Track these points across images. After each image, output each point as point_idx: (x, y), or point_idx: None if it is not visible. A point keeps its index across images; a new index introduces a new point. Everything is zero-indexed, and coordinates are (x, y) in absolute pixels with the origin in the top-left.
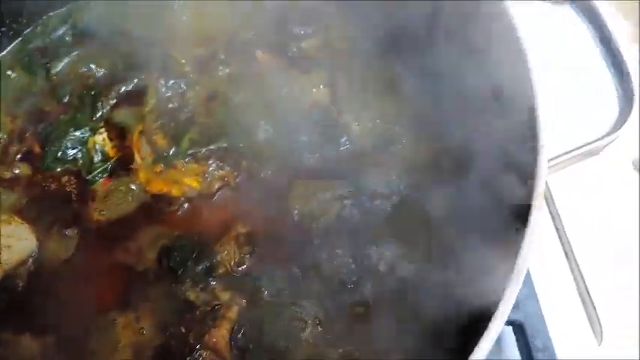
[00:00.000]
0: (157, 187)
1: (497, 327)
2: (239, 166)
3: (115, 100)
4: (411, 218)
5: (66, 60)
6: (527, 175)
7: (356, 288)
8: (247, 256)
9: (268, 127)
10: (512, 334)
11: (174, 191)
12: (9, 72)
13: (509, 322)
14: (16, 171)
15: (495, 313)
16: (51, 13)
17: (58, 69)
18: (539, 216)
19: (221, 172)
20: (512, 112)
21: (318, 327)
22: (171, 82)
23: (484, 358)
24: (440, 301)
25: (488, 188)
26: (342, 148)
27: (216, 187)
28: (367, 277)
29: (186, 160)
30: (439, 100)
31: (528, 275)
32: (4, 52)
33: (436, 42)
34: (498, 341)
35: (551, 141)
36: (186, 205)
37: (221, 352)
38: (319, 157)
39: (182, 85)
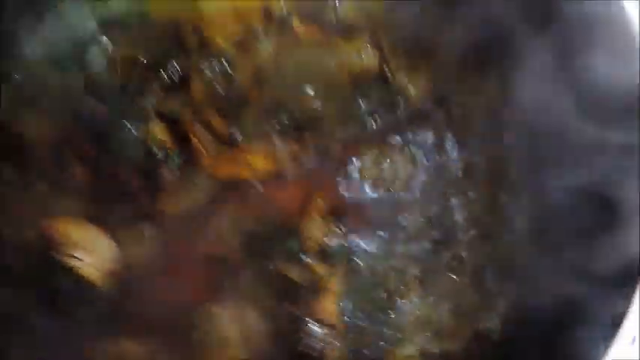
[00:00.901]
0: (226, 171)
1: None
2: (303, 139)
3: (160, 90)
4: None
5: (95, 52)
6: None
7: (445, 243)
8: (333, 227)
9: (323, 96)
10: None
11: (245, 173)
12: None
13: None
14: (77, 175)
15: None
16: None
17: (91, 58)
18: None
19: (289, 148)
20: None
21: (419, 286)
22: (214, 64)
23: None
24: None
25: None
26: (400, 111)
27: (286, 163)
28: (453, 231)
29: (252, 140)
30: None
31: None
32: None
33: None
34: None
35: None
36: (259, 186)
37: (332, 321)
38: (381, 121)
39: (226, 66)
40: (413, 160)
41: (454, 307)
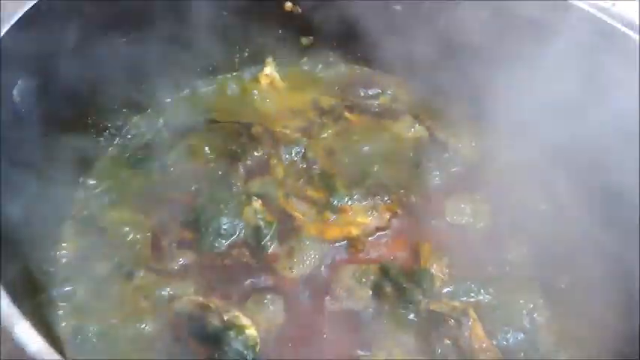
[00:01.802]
0: (334, 233)
1: None
2: (391, 197)
3: (244, 176)
4: None
5: (174, 152)
6: None
7: (560, 269)
8: (449, 265)
9: (394, 163)
10: None
11: (354, 231)
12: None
13: None
14: (181, 261)
15: None
16: (136, 117)
17: (170, 161)
18: None
19: (384, 205)
20: None
21: (542, 299)
22: (291, 148)
23: None
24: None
25: None
26: (456, 167)
27: (388, 217)
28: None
29: (350, 203)
30: None
31: None
32: (107, 156)
33: None
34: None
35: None
36: (369, 239)
37: (488, 344)
38: (447, 175)
39: (300, 149)
40: (487, 200)
41: (588, 319)
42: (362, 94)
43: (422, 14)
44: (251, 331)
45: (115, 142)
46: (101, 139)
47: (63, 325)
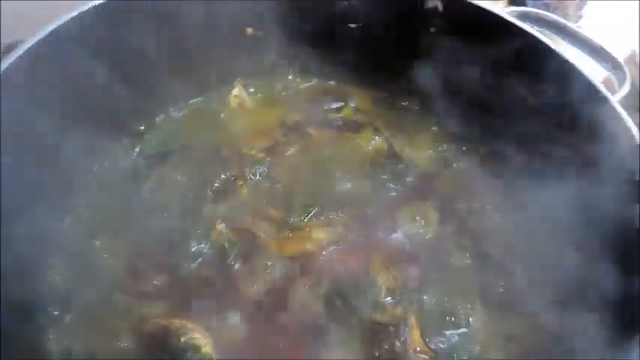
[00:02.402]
0: (292, 249)
1: None
2: (347, 211)
3: (211, 198)
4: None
5: (150, 180)
6: None
7: (486, 268)
8: (396, 275)
9: (351, 177)
10: None
11: (309, 246)
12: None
13: None
14: (155, 282)
15: None
16: (114, 144)
17: (146, 190)
18: None
19: (338, 220)
20: None
21: (480, 305)
22: (254, 169)
23: None
24: None
25: None
26: (410, 178)
27: (340, 231)
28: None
29: (306, 220)
30: None
31: None
32: (85, 186)
33: None
34: None
35: None
36: (323, 254)
37: (423, 349)
38: (400, 186)
39: (264, 168)
40: (436, 209)
41: (518, 314)
42: (325, 107)
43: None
44: (206, 349)
45: (93, 171)
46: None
47: (52, 346)
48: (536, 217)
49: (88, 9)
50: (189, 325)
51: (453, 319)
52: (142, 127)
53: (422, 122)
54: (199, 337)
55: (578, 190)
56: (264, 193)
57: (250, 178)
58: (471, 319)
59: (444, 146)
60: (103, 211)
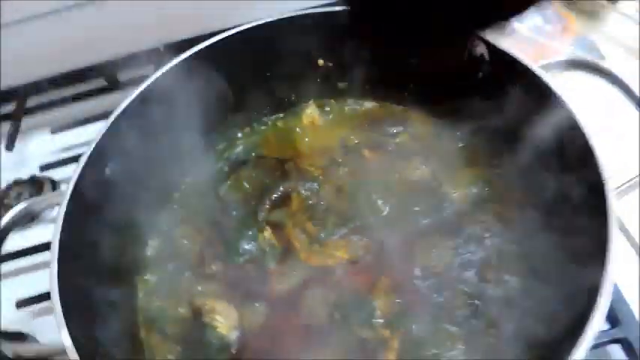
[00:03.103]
0: (316, 261)
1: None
2: (373, 236)
3: (268, 206)
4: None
5: (227, 183)
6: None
7: (482, 314)
8: (396, 300)
9: (388, 204)
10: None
11: (330, 262)
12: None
13: (616, 341)
14: (214, 267)
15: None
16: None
17: (223, 191)
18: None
19: (361, 243)
20: None
21: (462, 345)
22: (307, 185)
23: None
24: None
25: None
26: (446, 213)
27: (360, 253)
28: (487, 305)
29: (334, 238)
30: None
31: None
32: (185, 185)
33: None
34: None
35: None
36: (339, 271)
37: None
38: (431, 220)
39: (315, 186)
40: (455, 248)
41: None
42: (386, 131)
43: None
44: (220, 330)
45: (189, 177)
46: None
47: (139, 300)
48: None
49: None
50: (219, 307)
51: (433, 351)
52: (239, 135)
53: (471, 160)
54: (219, 320)
55: None
56: (308, 209)
57: (302, 192)
58: (449, 355)
59: (486, 188)
60: (189, 206)
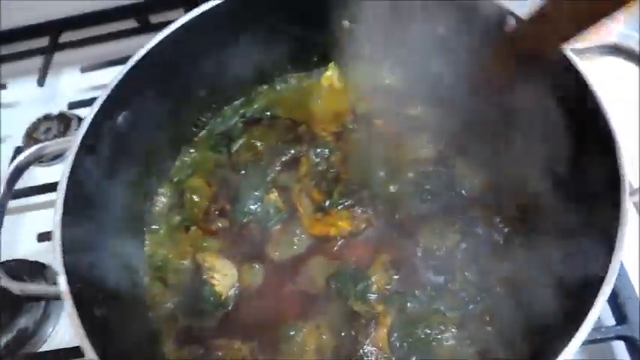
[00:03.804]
0: (318, 230)
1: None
2: (377, 209)
3: (278, 168)
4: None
5: (240, 141)
6: None
7: (480, 300)
8: (393, 277)
9: (397, 180)
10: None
11: (332, 232)
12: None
13: (621, 338)
14: (219, 224)
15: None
16: (226, 107)
17: (235, 148)
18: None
19: (365, 215)
20: None
21: (455, 329)
22: (318, 150)
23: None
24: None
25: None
26: (456, 194)
27: (363, 226)
28: (487, 291)
29: (338, 208)
30: None
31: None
32: (197, 139)
33: None
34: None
35: None
36: (341, 242)
37: (383, 347)
38: (438, 202)
39: (326, 152)
40: (460, 232)
41: (482, 350)
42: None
43: None
44: (217, 289)
45: (204, 130)
46: (195, 128)
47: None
48: None
49: None
50: (219, 265)
51: (426, 331)
52: (254, 93)
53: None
54: (217, 279)
55: None
56: (317, 175)
57: (312, 157)
58: (439, 336)
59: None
60: (203, 160)
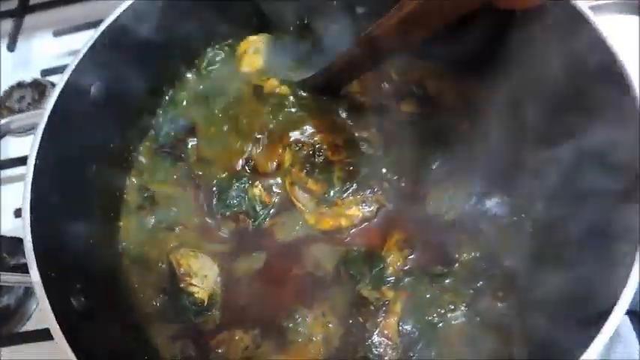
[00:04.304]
0: (327, 224)
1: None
2: (383, 187)
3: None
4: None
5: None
6: None
7: (492, 276)
8: (408, 257)
9: (392, 150)
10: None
11: (344, 223)
12: None
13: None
14: (218, 216)
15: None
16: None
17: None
18: None
19: (375, 196)
20: None
21: (465, 307)
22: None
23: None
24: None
25: None
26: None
27: (375, 208)
28: (498, 267)
29: (344, 196)
30: None
31: None
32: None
33: None
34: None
35: None
36: (353, 230)
37: (392, 337)
38: (440, 166)
39: (307, 132)
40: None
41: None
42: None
43: None
44: (199, 294)
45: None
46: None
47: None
48: None
49: None
50: (195, 265)
51: (435, 312)
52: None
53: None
54: (194, 284)
55: None
56: (305, 162)
57: (293, 145)
58: (449, 316)
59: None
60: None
